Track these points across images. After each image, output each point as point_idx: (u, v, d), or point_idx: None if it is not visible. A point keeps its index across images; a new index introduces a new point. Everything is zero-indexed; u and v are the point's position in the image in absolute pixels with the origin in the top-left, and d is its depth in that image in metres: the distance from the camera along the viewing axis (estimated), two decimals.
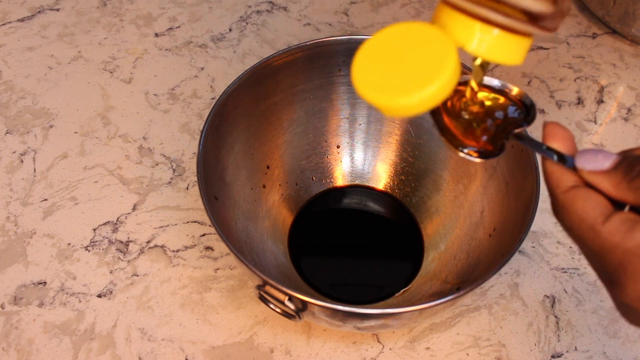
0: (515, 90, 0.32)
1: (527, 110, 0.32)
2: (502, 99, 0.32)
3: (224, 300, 0.48)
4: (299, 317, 0.37)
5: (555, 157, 0.27)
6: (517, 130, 0.31)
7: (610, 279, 0.25)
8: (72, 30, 0.66)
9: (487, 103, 0.32)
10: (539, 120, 0.60)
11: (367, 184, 0.53)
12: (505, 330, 0.47)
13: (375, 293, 0.47)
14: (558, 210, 0.27)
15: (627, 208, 0.26)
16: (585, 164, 0.26)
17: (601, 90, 0.62)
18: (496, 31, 0.27)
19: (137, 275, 0.49)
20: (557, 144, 0.27)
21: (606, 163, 0.25)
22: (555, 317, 0.47)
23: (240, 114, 0.46)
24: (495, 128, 0.32)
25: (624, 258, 0.24)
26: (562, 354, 0.46)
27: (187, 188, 0.54)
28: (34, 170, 0.55)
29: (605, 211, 0.25)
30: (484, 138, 0.31)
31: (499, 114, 0.32)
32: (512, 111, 0.32)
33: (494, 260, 0.41)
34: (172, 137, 0.57)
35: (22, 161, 0.55)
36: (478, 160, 0.31)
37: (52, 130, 0.57)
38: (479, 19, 0.27)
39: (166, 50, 0.64)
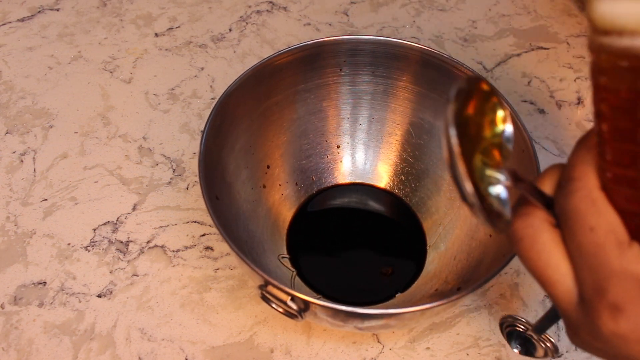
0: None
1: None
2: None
3: (224, 300, 0.48)
4: (301, 317, 0.37)
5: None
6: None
7: (609, 303, 0.23)
8: (72, 30, 0.66)
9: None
10: (538, 120, 0.60)
11: (368, 183, 0.53)
12: None
13: (376, 294, 0.47)
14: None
15: None
16: None
17: None
18: None
19: (137, 275, 0.49)
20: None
21: None
22: None
23: (240, 113, 0.46)
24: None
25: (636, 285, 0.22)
26: (562, 354, 0.46)
27: (187, 188, 0.54)
28: (34, 170, 0.55)
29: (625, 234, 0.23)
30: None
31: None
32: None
33: (494, 261, 0.41)
34: (172, 137, 0.57)
35: (22, 161, 0.55)
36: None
37: (52, 130, 0.57)
38: None
39: (166, 50, 0.64)
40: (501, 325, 0.40)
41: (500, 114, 0.26)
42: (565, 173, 0.25)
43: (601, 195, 0.24)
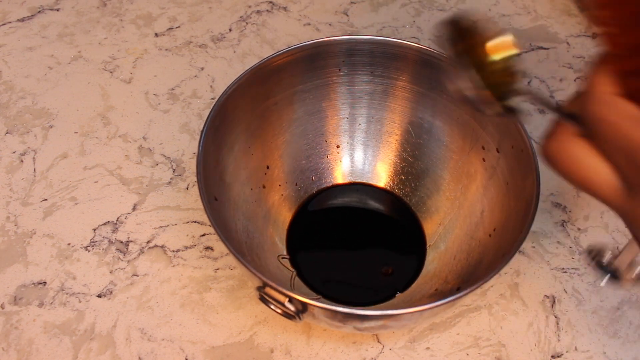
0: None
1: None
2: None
3: (224, 300, 0.48)
4: (299, 318, 0.37)
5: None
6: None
7: None
8: (72, 30, 0.66)
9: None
10: (538, 120, 0.60)
11: (368, 183, 0.53)
12: (505, 330, 0.47)
13: (376, 294, 0.47)
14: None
15: None
16: None
17: None
18: None
19: (137, 275, 0.49)
20: None
21: None
22: (555, 317, 0.47)
23: (240, 114, 0.46)
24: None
25: None
26: (562, 354, 0.46)
27: (187, 188, 0.54)
28: (34, 170, 0.55)
29: None
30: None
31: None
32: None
33: (494, 260, 0.41)
34: (172, 137, 0.57)
35: (22, 161, 0.55)
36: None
37: (52, 130, 0.57)
38: None
39: (166, 50, 0.64)
40: (589, 253, 0.41)
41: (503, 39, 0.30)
42: (583, 88, 0.27)
43: (615, 91, 0.26)
